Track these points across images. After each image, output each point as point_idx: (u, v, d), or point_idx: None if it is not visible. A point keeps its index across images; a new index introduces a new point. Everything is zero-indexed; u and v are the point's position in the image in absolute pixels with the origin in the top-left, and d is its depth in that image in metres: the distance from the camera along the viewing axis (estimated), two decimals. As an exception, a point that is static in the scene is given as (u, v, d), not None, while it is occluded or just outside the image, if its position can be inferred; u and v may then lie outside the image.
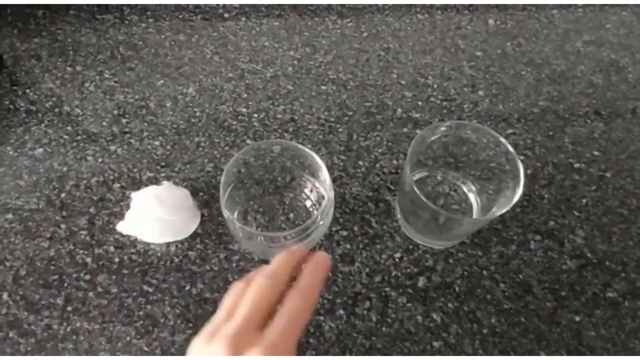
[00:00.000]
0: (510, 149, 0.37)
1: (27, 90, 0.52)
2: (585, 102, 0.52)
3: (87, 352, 0.37)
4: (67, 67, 0.53)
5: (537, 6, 0.61)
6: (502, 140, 0.37)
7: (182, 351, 0.38)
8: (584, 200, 0.45)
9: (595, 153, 0.48)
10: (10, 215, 0.44)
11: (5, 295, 0.40)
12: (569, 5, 0.61)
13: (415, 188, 0.35)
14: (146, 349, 0.38)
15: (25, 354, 0.37)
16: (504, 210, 0.35)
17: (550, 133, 0.49)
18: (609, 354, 0.38)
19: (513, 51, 0.56)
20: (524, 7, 0.60)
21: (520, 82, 0.53)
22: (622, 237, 0.43)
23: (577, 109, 0.51)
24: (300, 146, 0.38)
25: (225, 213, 0.35)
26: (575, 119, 0.51)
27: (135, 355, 0.37)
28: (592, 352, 0.38)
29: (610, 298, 0.40)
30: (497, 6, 0.60)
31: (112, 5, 0.59)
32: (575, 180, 0.46)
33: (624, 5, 0.61)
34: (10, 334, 0.38)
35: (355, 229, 0.43)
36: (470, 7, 0.60)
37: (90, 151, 0.47)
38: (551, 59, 0.56)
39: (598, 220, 0.44)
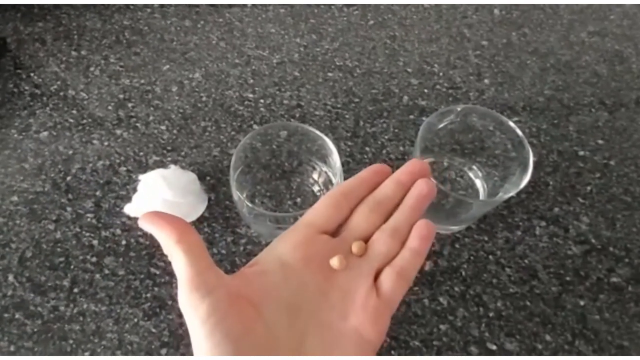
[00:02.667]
0: (519, 132, 0.37)
1: (32, 74, 0.51)
2: (589, 92, 0.52)
3: (94, 334, 0.37)
4: (72, 51, 0.53)
5: (542, -3, 0.61)
6: (511, 124, 0.38)
7: (189, 333, 0.38)
8: (589, 188, 0.46)
9: (600, 141, 0.49)
10: (15, 198, 0.43)
11: (11, 277, 0.40)
12: (574, -4, 0.61)
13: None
14: (153, 330, 0.38)
15: (32, 335, 0.37)
16: (513, 193, 0.36)
17: (555, 121, 0.50)
18: (612, 338, 0.38)
19: (518, 41, 0.56)
20: (529, -3, 0.61)
21: (525, 71, 0.54)
22: (625, 224, 0.44)
23: (581, 98, 0.52)
24: (312, 129, 0.38)
25: (236, 194, 0.35)
26: (580, 107, 0.51)
27: (143, 336, 0.37)
28: (597, 336, 0.38)
29: (614, 283, 0.41)
30: (502, -4, 0.61)
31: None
32: (579, 167, 0.47)
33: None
34: (17, 316, 0.38)
35: (362, 213, 0.43)
36: (475, -3, 0.60)
37: (96, 135, 0.47)
38: (556, 49, 0.56)
39: (602, 207, 0.44)
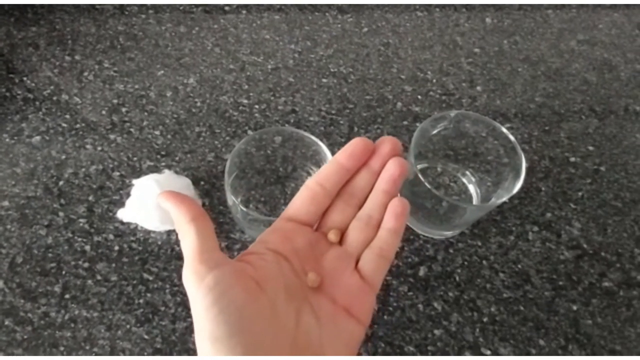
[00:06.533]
0: (511, 138, 0.38)
1: (24, 78, 0.51)
2: (579, 99, 0.53)
3: (86, 340, 0.37)
4: (66, 56, 0.53)
5: (532, 6, 0.62)
6: (504, 130, 0.38)
7: (182, 339, 0.37)
8: (580, 193, 0.46)
9: (590, 148, 0.49)
10: (6, 203, 0.43)
11: (0, 283, 0.39)
12: (563, 6, 0.62)
13: (420, 176, 0.35)
14: (146, 337, 0.37)
15: (22, 342, 0.37)
16: (505, 198, 0.36)
17: (547, 128, 0.50)
18: (605, 342, 0.38)
19: (510, 48, 0.57)
20: (520, 6, 0.62)
21: (516, 78, 0.55)
22: (616, 229, 0.44)
23: (572, 105, 0.53)
24: (306, 134, 0.38)
25: (230, 199, 0.35)
26: (571, 114, 0.52)
27: (135, 343, 0.37)
28: (589, 340, 0.38)
29: (606, 287, 0.41)
30: (493, 5, 0.62)
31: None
32: (571, 173, 0.47)
33: (616, 6, 0.63)
34: (6, 322, 0.37)
35: (357, 218, 0.43)
36: (467, 6, 0.61)
37: (89, 140, 0.47)
38: (546, 57, 0.57)
39: (593, 213, 0.45)
